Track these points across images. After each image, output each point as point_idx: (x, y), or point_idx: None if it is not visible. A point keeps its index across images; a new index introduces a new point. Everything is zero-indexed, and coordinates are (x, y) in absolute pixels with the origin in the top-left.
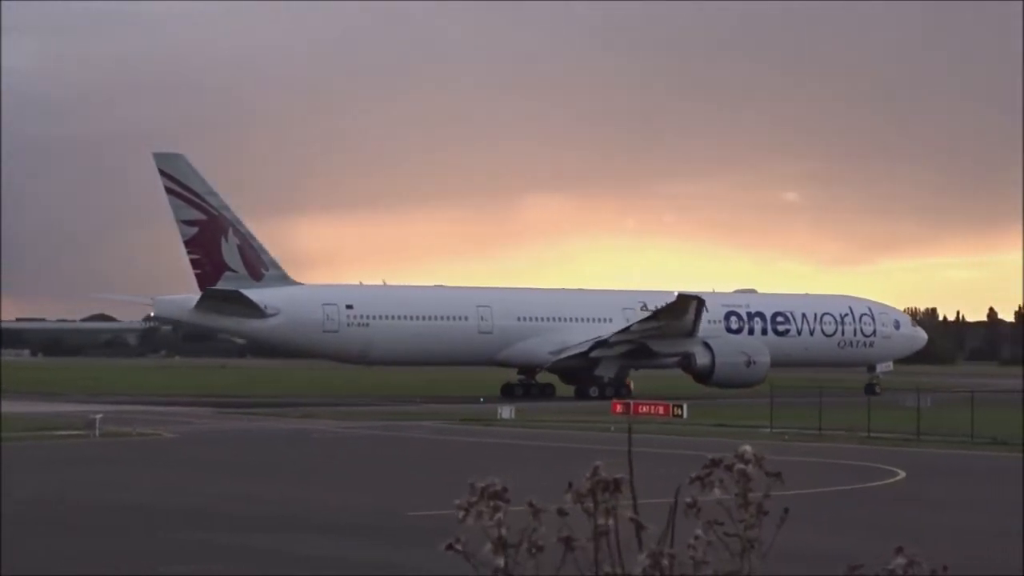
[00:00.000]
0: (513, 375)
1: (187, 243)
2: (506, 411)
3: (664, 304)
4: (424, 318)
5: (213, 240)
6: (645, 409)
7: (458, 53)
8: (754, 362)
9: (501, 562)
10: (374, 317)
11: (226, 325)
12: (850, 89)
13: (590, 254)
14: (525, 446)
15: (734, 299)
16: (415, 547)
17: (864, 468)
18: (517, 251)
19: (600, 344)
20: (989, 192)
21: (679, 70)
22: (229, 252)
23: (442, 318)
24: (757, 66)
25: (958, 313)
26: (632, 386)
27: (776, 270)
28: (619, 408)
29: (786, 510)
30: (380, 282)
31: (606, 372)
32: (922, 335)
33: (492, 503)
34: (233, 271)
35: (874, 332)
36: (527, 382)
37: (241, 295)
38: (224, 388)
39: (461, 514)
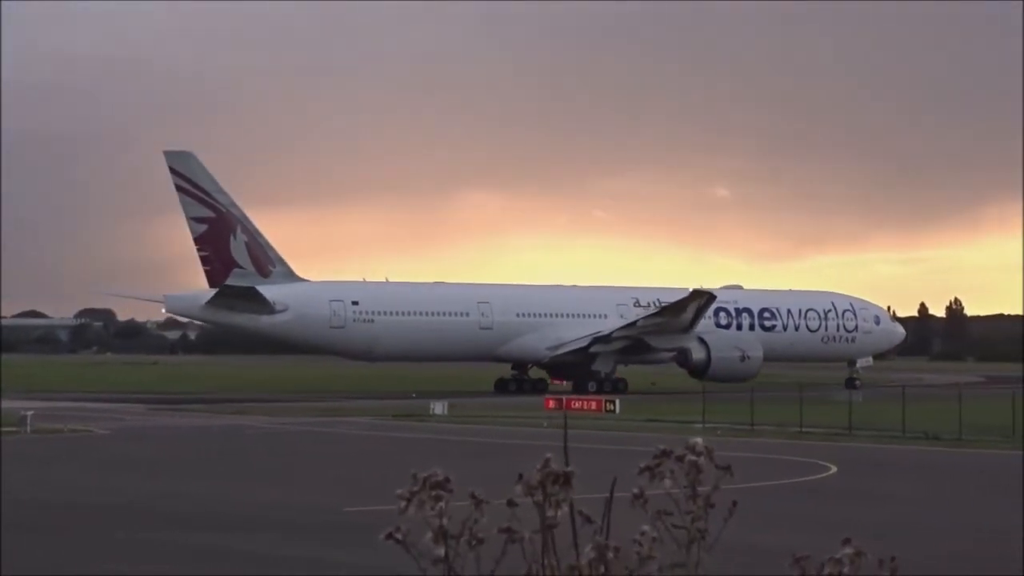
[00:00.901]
0: (506, 370)
1: (197, 240)
2: (439, 407)
3: (658, 300)
4: (427, 314)
5: (222, 237)
6: (578, 404)
7: (393, 51)
8: (748, 357)
9: (441, 552)
10: (379, 313)
11: (237, 321)
12: (780, 87)
13: (523, 251)
14: (459, 441)
15: (722, 295)
16: (353, 543)
17: (796, 463)
18: (449, 247)
19: (600, 339)
20: (918, 188)
21: (610, 69)
22: (238, 249)
23: (444, 314)
24: (688, 64)
25: (889, 308)
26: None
27: (708, 266)
28: (552, 404)
29: (735, 503)
30: (383, 279)
31: (602, 367)
32: (900, 330)
33: (434, 493)
34: (242, 268)
35: (856, 327)
36: (520, 377)
37: (256, 292)
38: (156, 384)
39: (403, 503)
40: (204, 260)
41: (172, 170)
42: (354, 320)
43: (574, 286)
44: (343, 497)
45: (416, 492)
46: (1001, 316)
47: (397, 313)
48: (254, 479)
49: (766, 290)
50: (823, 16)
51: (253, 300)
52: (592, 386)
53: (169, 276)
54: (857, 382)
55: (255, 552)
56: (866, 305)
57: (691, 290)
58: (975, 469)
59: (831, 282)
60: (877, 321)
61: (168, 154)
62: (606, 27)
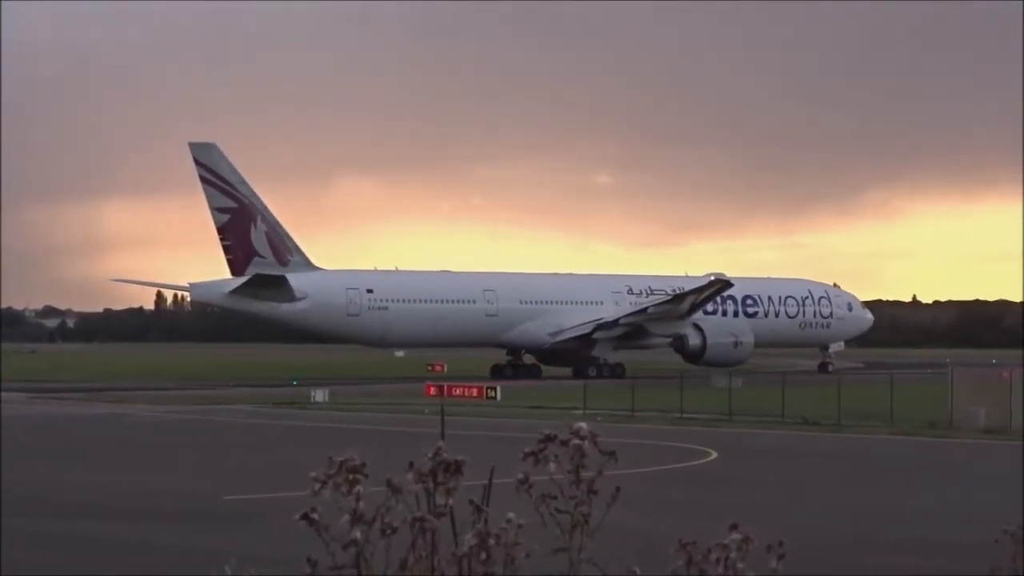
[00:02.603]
0: (502, 357)
1: (220, 230)
2: (319, 394)
3: (649, 288)
4: (437, 301)
5: (244, 227)
6: (459, 391)
7: (273, 37)
8: (740, 342)
9: (358, 534)
10: (392, 301)
11: (260, 310)
12: (658, 73)
13: (403, 238)
14: (340, 429)
15: (704, 283)
16: (232, 530)
17: (677, 448)
18: (327, 235)
19: (603, 326)
20: (796, 175)
21: (488, 56)
22: (258, 239)
23: (453, 301)
24: (565, 52)
25: None
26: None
27: (590, 253)
28: (432, 390)
29: (618, 488)
30: (392, 267)
31: (602, 353)
32: (869, 316)
33: (350, 476)
34: (262, 257)
35: (831, 314)
36: (515, 363)
37: (286, 280)
38: (36, 372)
39: (317, 486)
40: (227, 249)
41: (197, 161)
42: (369, 308)
43: (571, 274)
44: (222, 485)
45: (332, 475)
46: (880, 302)
47: (409, 301)
48: (132, 468)
49: (747, 278)
50: (699, 3)
51: (279, 288)
52: (592, 371)
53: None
54: (830, 367)
55: (132, 540)
56: (839, 292)
57: (712, 277)
58: (854, 454)
59: (711, 269)
60: (849, 308)
61: (193, 146)
62: (486, 16)
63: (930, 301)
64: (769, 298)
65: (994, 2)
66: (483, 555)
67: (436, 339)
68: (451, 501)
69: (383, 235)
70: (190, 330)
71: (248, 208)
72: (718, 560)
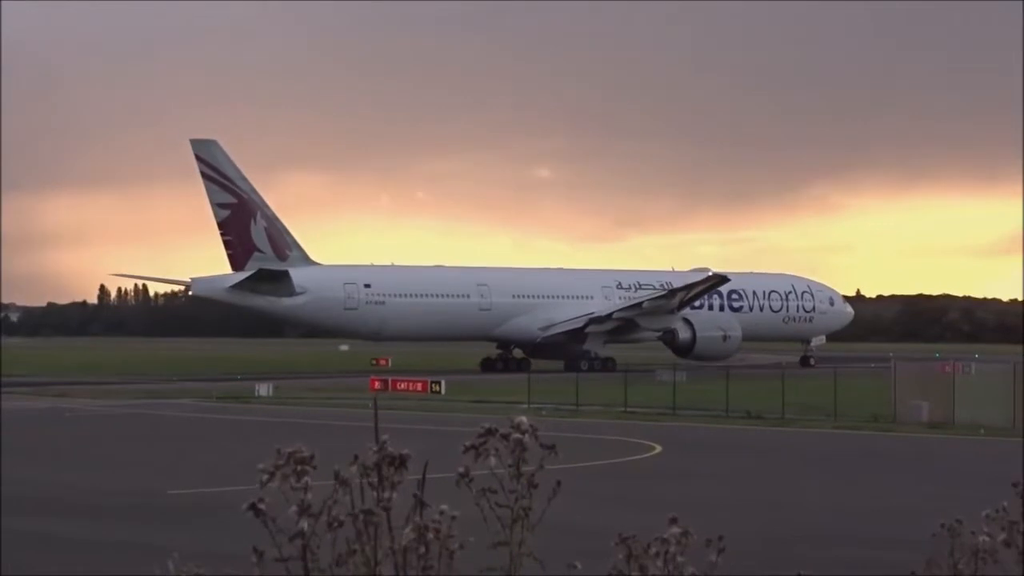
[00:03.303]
0: (493, 350)
1: (220, 225)
2: (263, 388)
3: (638, 283)
4: (432, 296)
5: (244, 222)
6: (404, 386)
7: (219, 32)
8: (729, 336)
9: (305, 525)
10: (389, 295)
11: (260, 304)
12: (600, 67)
13: (346, 234)
14: (284, 423)
15: (692, 277)
16: (177, 525)
17: (621, 443)
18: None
19: (596, 320)
20: (737, 169)
21: (429, 51)
22: (258, 234)
23: (447, 296)
24: (506, 45)
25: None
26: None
27: (533, 247)
28: (377, 384)
29: (558, 482)
30: (388, 263)
31: (593, 347)
32: (850, 311)
33: (298, 468)
34: (261, 252)
35: (813, 308)
36: (505, 356)
37: (288, 275)
38: None
39: (265, 477)
40: (227, 244)
41: (198, 157)
42: (366, 302)
43: (561, 269)
44: (167, 480)
45: (280, 466)
46: None
47: (405, 295)
48: (75, 462)
49: (731, 272)
50: (642, 1)
51: (280, 283)
52: (584, 365)
53: None
54: (812, 360)
55: (75, 537)
56: (821, 287)
57: (709, 272)
58: (797, 448)
59: (652, 263)
60: (831, 302)
61: (194, 142)
62: (428, 12)
63: (874, 295)
64: (753, 292)
65: (925, 1)
66: (422, 549)
67: (431, 333)
68: (395, 495)
69: (327, 230)
70: (133, 325)
71: (248, 204)
72: (658, 554)
